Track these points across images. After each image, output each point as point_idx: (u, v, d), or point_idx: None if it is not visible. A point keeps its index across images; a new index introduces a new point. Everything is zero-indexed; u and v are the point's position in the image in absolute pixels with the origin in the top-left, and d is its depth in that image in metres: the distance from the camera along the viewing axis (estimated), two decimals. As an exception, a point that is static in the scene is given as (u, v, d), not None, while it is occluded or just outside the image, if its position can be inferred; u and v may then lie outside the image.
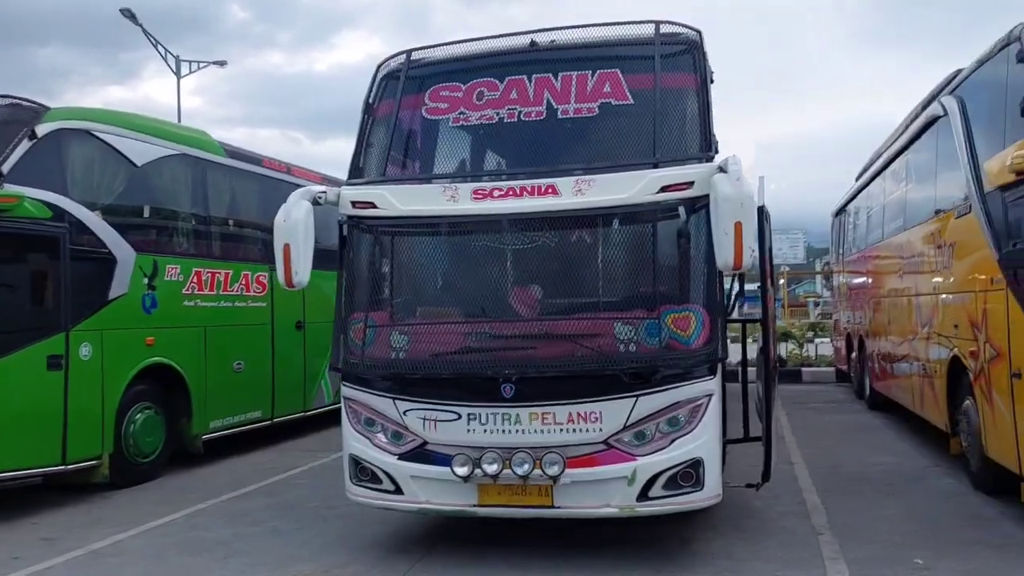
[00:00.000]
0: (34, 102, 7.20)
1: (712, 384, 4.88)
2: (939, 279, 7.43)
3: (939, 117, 7.54)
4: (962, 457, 7.19)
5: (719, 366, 4.95)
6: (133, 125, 8.30)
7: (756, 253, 5.01)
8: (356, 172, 5.75)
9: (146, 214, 8.36)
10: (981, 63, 6.52)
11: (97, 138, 7.77)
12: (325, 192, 5.47)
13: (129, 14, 20.98)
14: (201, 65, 23.88)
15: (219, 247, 9.43)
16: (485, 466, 4.89)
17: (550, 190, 5.01)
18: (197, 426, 8.78)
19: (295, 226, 5.17)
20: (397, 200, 5.26)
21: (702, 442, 4.83)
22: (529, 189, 5.04)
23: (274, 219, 5.36)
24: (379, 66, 6.14)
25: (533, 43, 5.77)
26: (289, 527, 6.35)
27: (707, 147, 5.09)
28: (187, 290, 8.76)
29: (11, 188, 6.60)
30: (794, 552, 5.29)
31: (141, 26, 21.41)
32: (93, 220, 7.49)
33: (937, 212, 7.55)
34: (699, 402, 4.84)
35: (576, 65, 5.52)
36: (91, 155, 7.71)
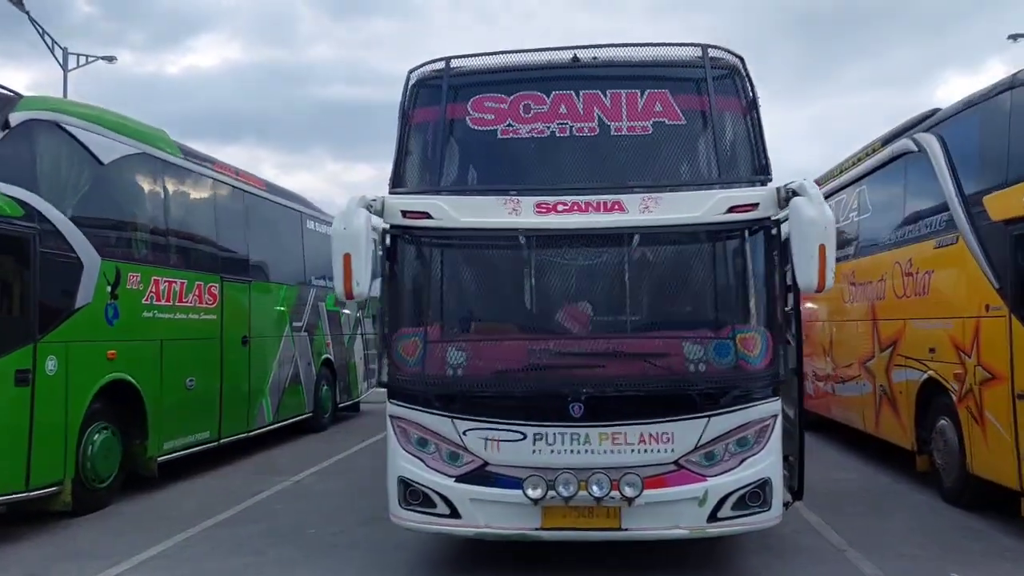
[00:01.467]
0: (7, 88, 6.48)
1: (777, 405, 5.00)
2: (910, 305, 7.94)
3: (909, 152, 8.09)
4: (931, 474, 7.69)
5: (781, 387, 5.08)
6: (99, 120, 7.64)
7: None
8: (399, 181, 5.54)
9: (110, 216, 7.68)
10: (970, 105, 7.06)
11: (66, 131, 7.10)
12: (375, 200, 5.23)
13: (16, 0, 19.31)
14: (89, 59, 22.28)
15: (175, 255, 8.80)
16: (560, 488, 4.78)
17: (616, 206, 5.01)
18: (152, 447, 8.11)
19: (356, 235, 4.89)
20: (455, 211, 5.11)
21: (770, 462, 4.93)
22: (595, 205, 5.03)
23: (333, 227, 5.04)
24: (411, 72, 5.98)
25: (575, 58, 5.82)
26: (299, 556, 5.97)
27: (764, 169, 5.25)
28: (146, 300, 8.12)
29: (-16, 183, 5.90)
30: (834, 568, 5.49)
31: (28, 13, 19.74)
32: (62, 221, 6.82)
33: (903, 241, 8.09)
34: (766, 423, 4.94)
35: (623, 83, 5.60)
36: (59, 150, 7.03)
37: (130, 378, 7.71)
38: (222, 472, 9.38)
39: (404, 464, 5.16)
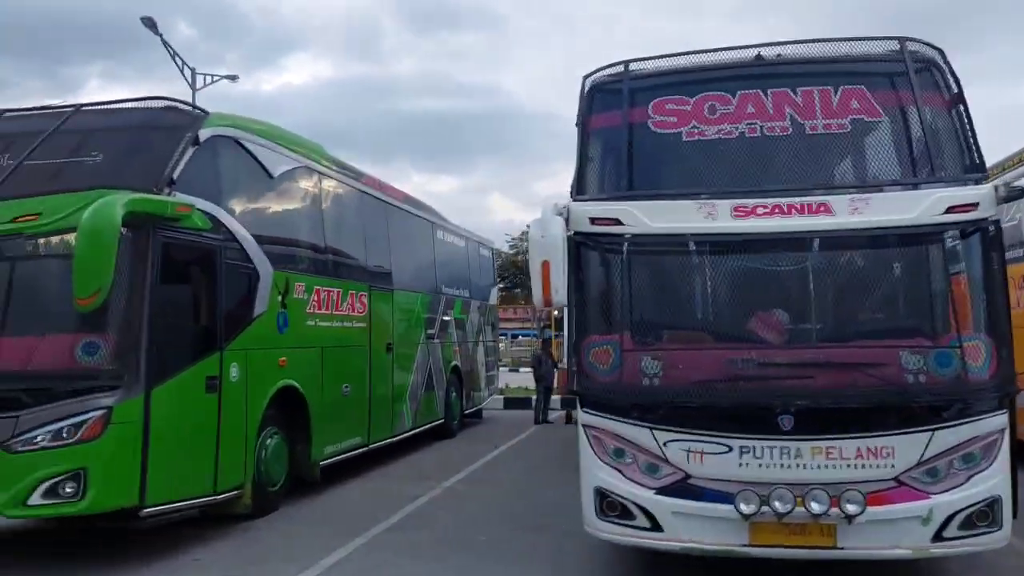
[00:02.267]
0: (192, 105, 6.78)
1: (1004, 419, 4.70)
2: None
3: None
4: None
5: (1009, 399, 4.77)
6: (269, 134, 7.91)
7: None
8: (581, 188, 5.50)
9: (278, 228, 7.92)
10: None
11: (243, 146, 7.37)
12: (567, 207, 5.19)
13: (150, 23, 20.37)
14: (215, 79, 23.29)
15: (332, 265, 9.03)
16: (776, 503, 4.61)
17: (822, 208, 4.82)
18: (315, 452, 8.32)
19: (555, 242, 4.87)
20: (646, 216, 5.02)
21: (999, 479, 4.63)
22: (798, 207, 4.86)
23: (530, 235, 5.04)
24: (586, 78, 5.95)
25: (759, 56, 5.68)
26: (478, 563, 5.97)
27: (979, 167, 4.96)
28: (309, 308, 8.36)
29: (182, 197, 6.16)
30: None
31: (160, 35, 20.81)
32: (242, 233, 7.07)
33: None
34: (994, 437, 4.65)
35: (813, 80, 5.42)
36: (237, 164, 7.30)
37: (297, 384, 7.93)
38: (372, 477, 9.56)
39: (600, 474, 5.09)
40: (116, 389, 5.56)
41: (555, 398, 15.71)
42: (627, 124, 5.55)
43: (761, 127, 5.33)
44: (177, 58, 21.14)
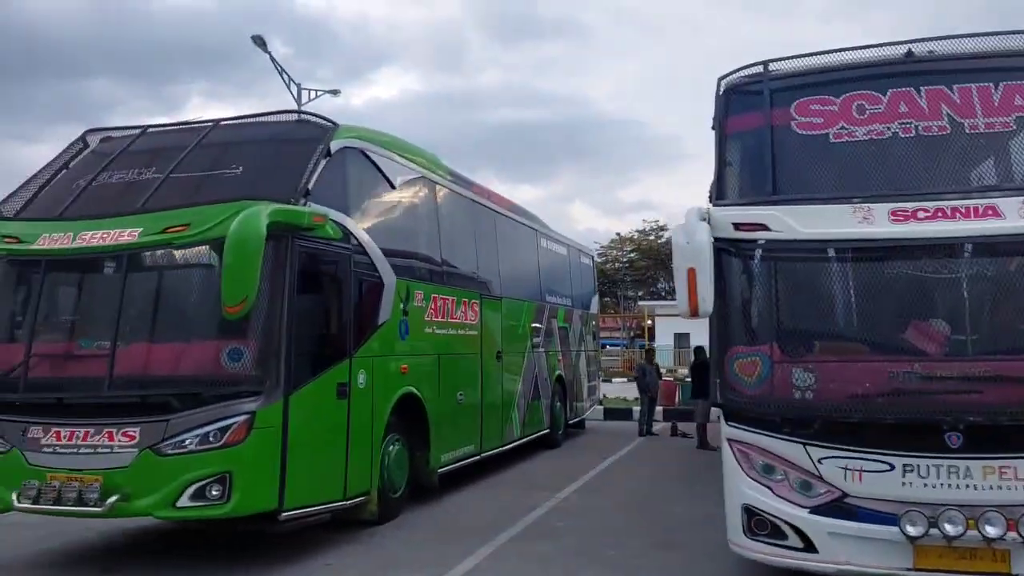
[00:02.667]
0: (323, 118, 6.91)
1: None
2: None
3: None
4: None
5: None
6: (391, 145, 8.03)
7: None
8: (721, 193, 5.34)
9: (399, 236, 8.01)
10: None
11: (368, 157, 7.49)
12: (708, 212, 5.03)
13: (260, 41, 21.12)
14: (319, 94, 23.95)
15: (447, 273, 9.08)
16: (946, 525, 4.34)
17: (990, 211, 4.54)
18: (433, 459, 8.36)
19: (700, 249, 4.72)
20: (796, 222, 4.82)
21: None
22: (963, 210, 4.58)
23: (672, 241, 4.90)
24: (721, 80, 5.81)
25: (910, 53, 5.42)
26: (614, 578, 5.84)
27: None
28: (427, 316, 8.42)
29: (316, 207, 6.28)
30: None
31: (270, 53, 21.56)
32: (369, 242, 7.17)
33: None
34: None
35: (970, 77, 5.16)
36: (364, 175, 7.42)
37: (417, 391, 7.98)
38: (485, 485, 9.55)
39: (748, 491, 4.90)
40: (258, 394, 5.69)
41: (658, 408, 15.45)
42: (768, 126, 5.39)
43: (916, 127, 5.10)
44: (284, 74, 21.86)
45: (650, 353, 15.59)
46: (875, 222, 4.71)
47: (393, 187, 7.92)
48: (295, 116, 6.94)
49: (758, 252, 5.03)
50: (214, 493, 5.52)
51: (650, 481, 9.84)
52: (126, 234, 5.79)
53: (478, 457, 9.72)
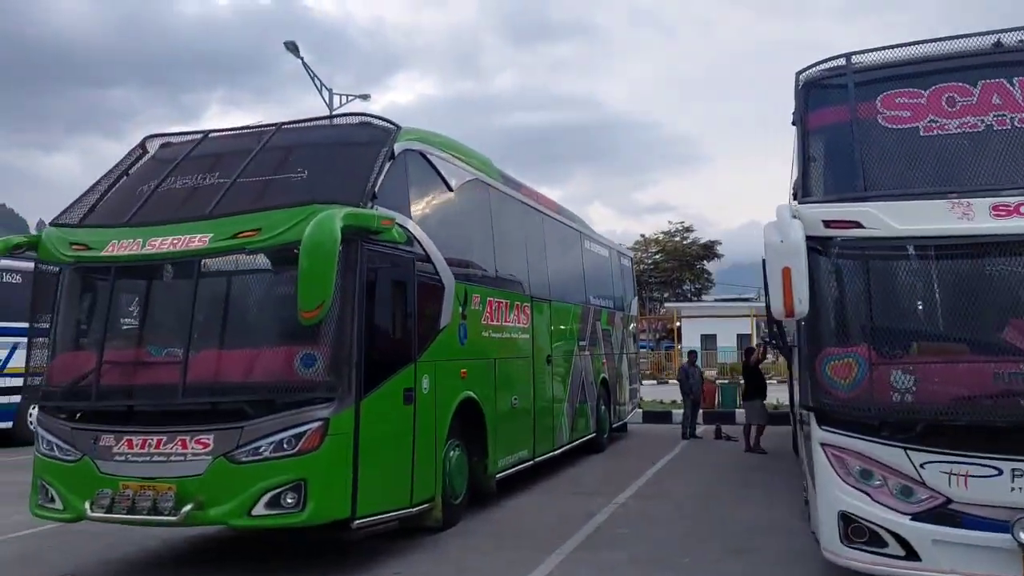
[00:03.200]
0: (386, 120, 6.83)
1: None
2: None
3: None
4: None
5: None
6: (449, 147, 7.95)
7: None
8: (807, 190, 5.20)
9: (456, 240, 7.91)
10: None
11: (428, 160, 7.40)
12: (798, 211, 4.89)
13: (293, 46, 21.17)
14: (350, 98, 23.98)
15: (501, 276, 8.97)
16: None
17: None
18: (492, 465, 8.25)
19: (795, 247, 4.58)
20: (891, 218, 4.67)
21: None
22: None
23: (765, 240, 4.76)
24: (799, 74, 5.68)
25: (999, 43, 5.27)
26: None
27: None
28: (483, 320, 8.32)
29: (383, 210, 6.19)
30: None
31: (302, 59, 21.60)
32: (430, 245, 7.08)
33: None
34: None
35: None
36: (424, 177, 7.34)
37: (475, 396, 7.88)
38: (538, 491, 9.41)
39: (844, 497, 4.74)
40: (331, 401, 5.60)
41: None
42: (854, 120, 5.24)
43: (1012, 119, 4.95)
44: (316, 79, 21.88)
45: (692, 355, 15.39)
46: (975, 218, 4.55)
47: (450, 189, 7.82)
48: (357, 119, 6.84)
49: (851, 250, 4.87)
50: (289, 501, 5.45)
51: (706, 486, 9.66)
52: (196, 240, 5.73)
53: (531, 462, 9.60)
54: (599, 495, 9.06)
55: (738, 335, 45.79)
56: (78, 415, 5.93)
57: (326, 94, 22.49)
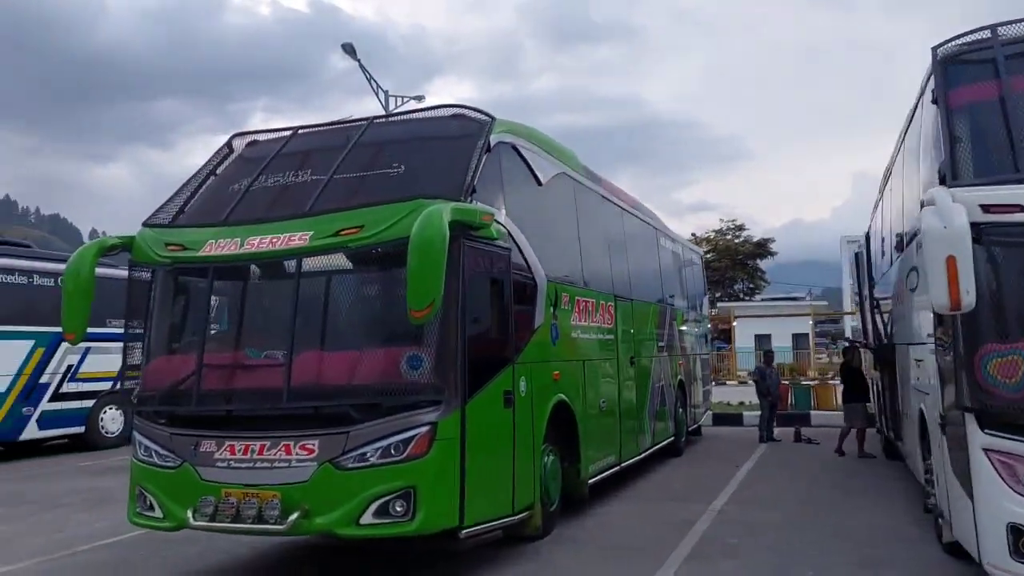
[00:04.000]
0: (479, 111, 6.56)
1: None
2: None
3: None
4: None
5: None
6: (538, 139, 7.65)
7: None
8: (956, 173, 4.78)
9: (545, 236, 7.60)
10: None
11: (519, 153, 7.12)
12: (952, 192, 4.47)
13: (350, 48, 21.14)
14: (405, 99, 23.89)
15: (587, 274, 8.64)
16: None
17: None
18: (583, 470, 7.92)
19: (960, 234, 4.18)
20: None
21: None
22: None
23: (924, 226, 4.36)
24: (936, 49, 5.26)
25: None
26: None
27: None
28: (573, 320, 8.00)
29: (483, 206, 5.91)
30: None
31: (359, 61, 21.55)
32: (524, 242, 6.79)
33: None
34: None
35: None
36: (515, 171, 7.05)
37: (567, 399, 7.56)
38: (626, 497, 9.05)
39: (1014, 507, 4.31)
40: (438, 404, 5.34)
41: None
42: (1005, 96, 4.81)
43: None
44: (372, 81, 21.82)
45: (770, 355, 14.86)
46: None
47: (540, 184, 7.53)
48: (450, 111, 6.57)
49: (1012, 236, 4.45)
50: (398, 509, 5.19)
51: (804, 492, 9.20)
52: (296, 238, 5.51)
53: (618, 467, 9.23)
54: (692, 501, 8.68)
55: (793, 335, 44.78)
56: (177, 420, 5.74)
57: (382, 96, 22.39)
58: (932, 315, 5.54)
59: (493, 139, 6.42)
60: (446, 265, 5.21)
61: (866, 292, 10.48)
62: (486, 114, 6.54)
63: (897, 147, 8.68)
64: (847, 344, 14.30)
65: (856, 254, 12.34)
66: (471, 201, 5.83)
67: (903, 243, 7.68)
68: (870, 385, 12.71)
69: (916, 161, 6.69)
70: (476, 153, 6.09)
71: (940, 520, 6.25)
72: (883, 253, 10.10)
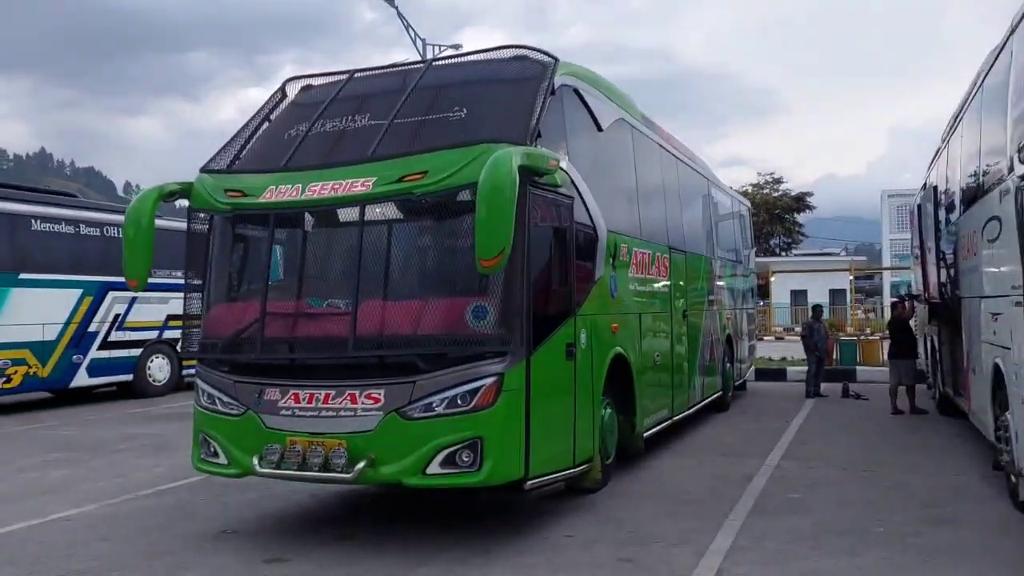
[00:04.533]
0: (542, 51, 6.31)
1: None
2: None
3: None
4: None
5: None
6: (598, 83, 7.39)
7: None
8: None
9: (605, 185, 7.38)
10: None
11: (580, 97, 6.88)
12: None
13: (389, -4, 20.77)
14: (442, 48, 23.51)
15: (643, 224, 8.43)
16: None
17: None
18: (639, 423, 7.81)
19: None
20: None
21: None
22: None
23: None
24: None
25: None
26: (903, 559, 5.15)
27: None
28: (631, 272, 7.83)
29: (548, 151, 5.71)
30: None
31: (396, 8, 21.17)
32: (586, 191, 6.60)
33: None
34: None
35: None
36: (576, 116, 6.83)
37: (624, 352, 7.43)
38: (678, 451, 8.96)
39: None
40: (504, 355, 5.23)
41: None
42: None
43: None
44: (410, 28, 21.47)
45: (818, 310, 14.56)
46: None
47: (600, 130, 7.30)
48: (511, 52, 6.31)
49: None
50: (465, 460, 5.13)
51: (860, 448, 9.03)
52: (359, 184, 5.37)
53: (670, 421, 9.13)
54: (747, 456, 8.58)
55: (831, 290, 44.15)
56: (241, 368, 5.70)
57: (419, 44, 22.03)
58: (1021, 266, 5.29)
59: (557, 81, 6.19)
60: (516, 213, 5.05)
61: (930, 244, 10.12)
62: (549, 55, 6.29)
63: (971, 91, 8.28)
64: (897, 298, 13.96)
65: (918, 206, 11.93)
66: (536, 146, 5.63)
67: (978, 192, 7.36)
68: (920, 341, 12.42)
69: (1001, 104, 6.35)
70: (540, 96, 5.86)
71: (1014, 478, 6.07)
72: (947, 204, 9.73)
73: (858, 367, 16.74)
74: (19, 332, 12.84)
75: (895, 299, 14.28)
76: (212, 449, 5.81)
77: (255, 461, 5.44)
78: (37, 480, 7.98)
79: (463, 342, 5.18)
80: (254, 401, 5.54)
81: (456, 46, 24.52)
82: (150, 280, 6.01)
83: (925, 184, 12.23)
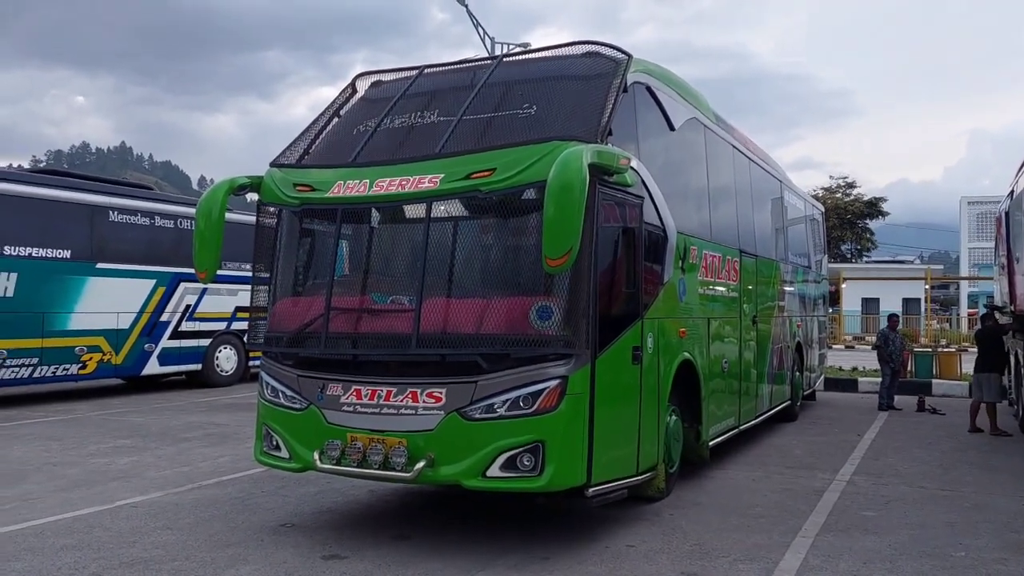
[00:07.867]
0: (615, 47, 6.15)
1: None
2: None
3: None
4: None
5: None
6: (670, 81, 7.19)
7: None
8: None
9: (676, 185, 7.18)
10: None
11: (653, 95, 6.70)
12: None
13: (460, -6, 20.81)
14: (510, 46, 23.43)
15: (714, 227, 8.18)
16: None
17: None
18: (705, 432, 7.58)
19: None
20: None
21: None
22: None
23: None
24: None
25: None
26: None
27: None
28: (700, 275, 7.60)
29: (619, 150, 5.54)
30: None
31: (466, 6, 21.20)
32: (656, 191, 6.41)
33: None
34: None
35: None
36: (648, 114, 6.65)
37: (692, 358, 7.20)
38: (745, 462, 8.68)
39: None
40: (568, 358, 5.10)
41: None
42: None
43: None
44: (479, 27, 21.50)
45: (894, 319, 13.98)
46: None
47: (672, 129, 7.10)
48: (583, 48, 6.17)
49: None
50: (526, 463, 5.01)
51: (938, 465, 8.60)
52: (427, 180, 5.31)
53: (736, 430, 8.87)
54: (817, 470, 8.27)
55: (904, 299, 42.69)
56: (304, 363, 5.70)
57: (488, 43, 22.02)
58: None
59: (629, 79, 6.03)
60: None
61: (1018, 254, 9.59)
62: (622, 51, 6.13)
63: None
64: (987, 309, 13.28)
65: (1005, 213, 11.36)
66: (607, 144, 5.48)
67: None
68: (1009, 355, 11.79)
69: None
70: (612, 93, 5.71)
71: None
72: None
73: (934, 380, 16.07)
74: (95, 320, 13.25)
75: (986, 308, 13.56)
76: (274, 443, 5.83)
77: (316, 457, 5.43)
78: (106, 466, 8.18)
79: (527, 343, 5.06)
80: (316, 396, 5.53)
81: (525, 45, 24.43)
82: (220, 272, 6.07)
83: (1012, 192, 11.62)
